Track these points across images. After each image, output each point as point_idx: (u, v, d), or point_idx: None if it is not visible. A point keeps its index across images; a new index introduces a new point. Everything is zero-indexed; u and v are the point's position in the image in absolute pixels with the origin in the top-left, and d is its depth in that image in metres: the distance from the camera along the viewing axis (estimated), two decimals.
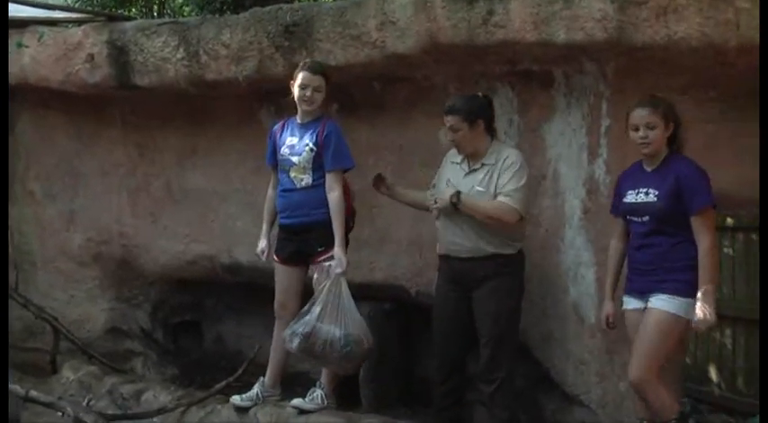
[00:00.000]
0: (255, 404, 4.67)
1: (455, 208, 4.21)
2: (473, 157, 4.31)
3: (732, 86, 3.91)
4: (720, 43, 3.69)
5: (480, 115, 4.27)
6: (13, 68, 5.64)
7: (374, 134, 5.06)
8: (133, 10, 7.62)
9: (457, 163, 4.38)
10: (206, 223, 5.70)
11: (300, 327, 4.35)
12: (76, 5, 7.17)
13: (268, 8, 4.95)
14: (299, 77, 4.47)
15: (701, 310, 3.59)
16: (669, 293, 3.68)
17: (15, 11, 5.67)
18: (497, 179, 4.21)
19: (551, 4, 3.98)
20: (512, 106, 4.60)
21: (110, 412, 5.03)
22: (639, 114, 3.75)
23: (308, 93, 4.47)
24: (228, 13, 5.99)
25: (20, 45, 5.62)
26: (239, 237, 5.52)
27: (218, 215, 5.66)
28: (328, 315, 4.33)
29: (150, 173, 5.89)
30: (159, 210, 5.88)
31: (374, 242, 5.06)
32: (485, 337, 4.25)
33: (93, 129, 6.00)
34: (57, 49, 5.58)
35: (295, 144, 4.55)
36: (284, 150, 4.58)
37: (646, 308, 3.75)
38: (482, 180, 4.25)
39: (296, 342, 4.37)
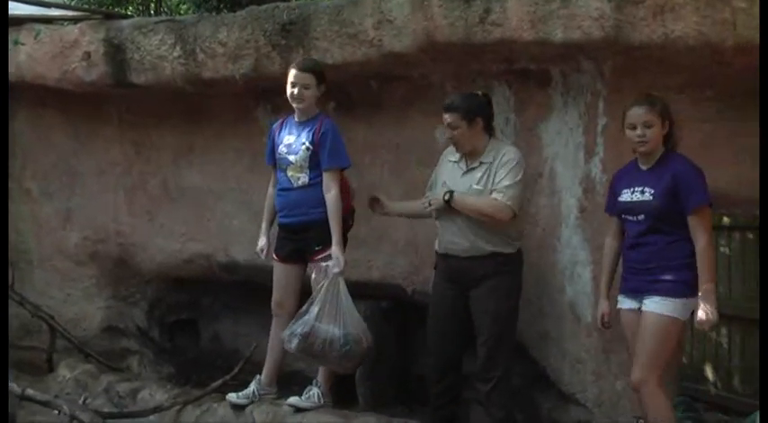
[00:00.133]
0: (252, 402, 4.66)
1: (448, 206, 4.21)
2: (471, 156, 4.30)
3: (729, 86, 3.91)
4: (717, 42, 3.69)
5: (479, 113, 4.26)
6: (10, 66, 5.61)
7: (371, 133, 5.05)
8: (130, 8, 7.63)
9: (454, 161, 4.37)
10: (203, 222, 5.69)
11: (299, 327, 4.35)
12: (73, 3, 7.15)
13: (265, 6, 4.94)
14: (289, 75, 4.47)
15: (702, 310, 3.59)
16: (662, 295, 3.67)
17: (12, 8, 5.62)
18: (494, 177, 4.20)
19: (548, 3, 3.97)
20: (508, 105, 4.59)
21: (106, 411, 5.02)
22: (637, 113, 3.74)
23: (296, 90, 4.46)
24: (225, 11, 5.98)
25: (16, 43, 5.60)
26: (236, 235, 5.51)
27: (214, 214, 5.65)
28: (327, 314, 4.33)
29: (147, 171, 5.87)
30: (156, 208, 5.86)
31: (371, 241, 5.06)
32: (483, 335, 4.25)
33: (89, 127, 5.98)
34: (53, 47, 5.55)
35: (292, 143, 4.54)
36: (282, 149, 4.57)
37: (640, 308, 3.74)
38: (480, 178, 4.24)
39: (295, 342, 4.37)
